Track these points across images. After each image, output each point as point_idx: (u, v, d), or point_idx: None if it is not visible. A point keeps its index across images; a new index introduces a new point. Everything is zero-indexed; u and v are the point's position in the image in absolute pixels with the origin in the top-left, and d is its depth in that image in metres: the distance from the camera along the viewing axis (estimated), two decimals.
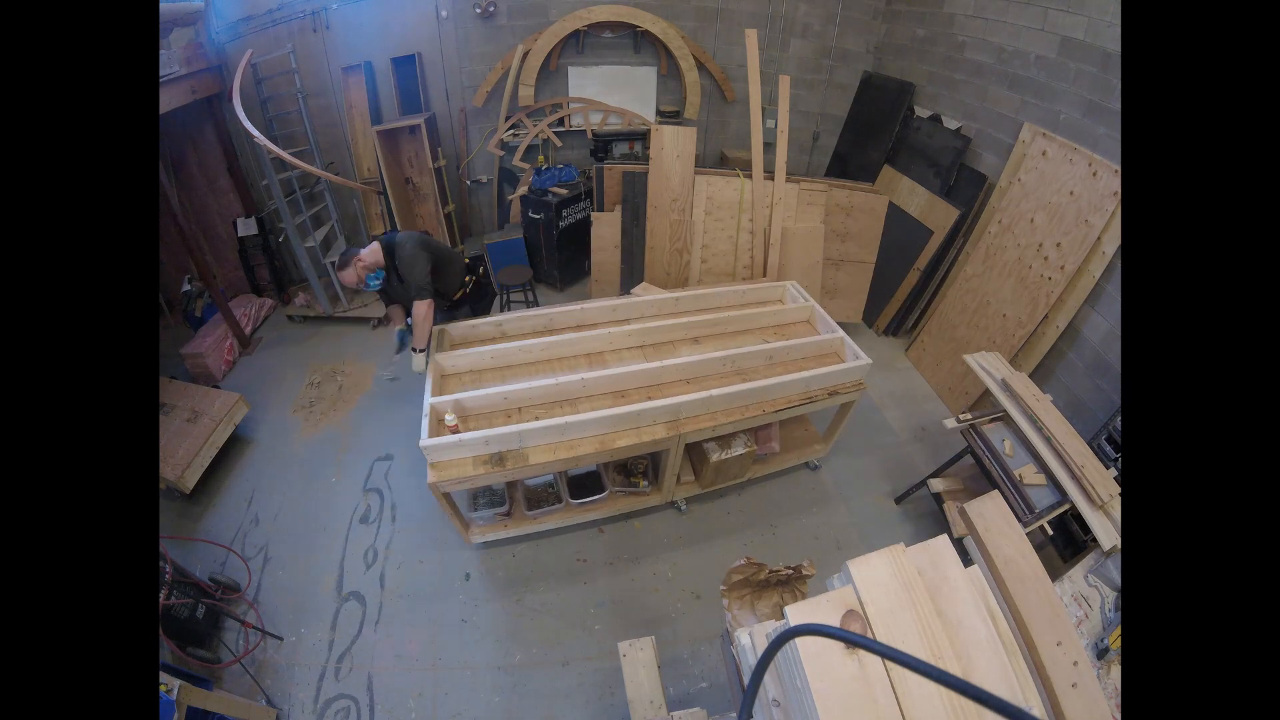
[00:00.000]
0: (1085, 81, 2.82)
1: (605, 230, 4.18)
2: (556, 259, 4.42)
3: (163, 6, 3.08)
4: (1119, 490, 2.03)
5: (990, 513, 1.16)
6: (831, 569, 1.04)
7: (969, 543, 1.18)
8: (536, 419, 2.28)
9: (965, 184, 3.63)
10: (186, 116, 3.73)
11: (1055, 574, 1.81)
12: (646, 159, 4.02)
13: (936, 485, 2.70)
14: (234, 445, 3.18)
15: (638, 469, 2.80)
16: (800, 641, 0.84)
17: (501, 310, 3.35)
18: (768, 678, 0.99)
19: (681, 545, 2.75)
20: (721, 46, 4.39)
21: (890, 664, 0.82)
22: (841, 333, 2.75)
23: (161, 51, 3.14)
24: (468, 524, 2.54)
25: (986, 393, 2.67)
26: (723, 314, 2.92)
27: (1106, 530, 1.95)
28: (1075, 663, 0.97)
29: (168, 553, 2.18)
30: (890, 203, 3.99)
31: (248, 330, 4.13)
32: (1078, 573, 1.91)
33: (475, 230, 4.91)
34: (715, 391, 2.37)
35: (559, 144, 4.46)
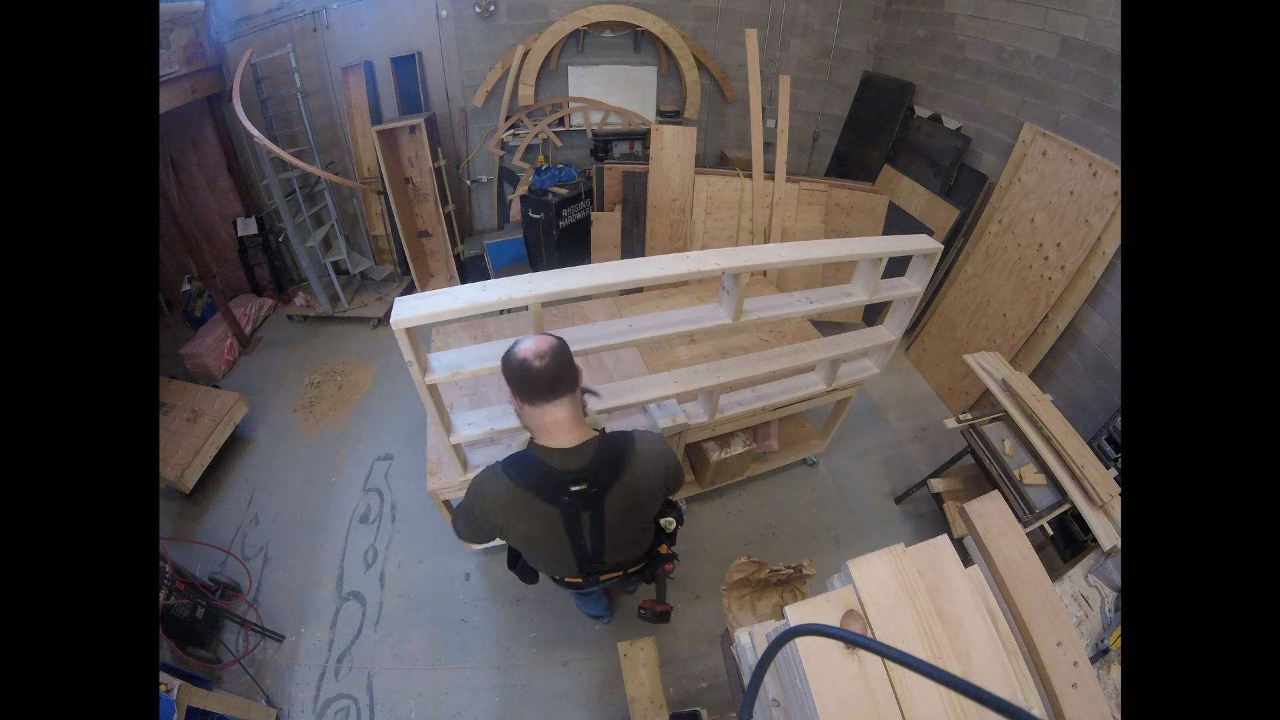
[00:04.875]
0: (1085, 81, 2.82)
1: (605, 230, 4.18)
2: (556, 259, 4.41)
3: (163, 6, 3.07)
4: (1119, 490, 2.03)
5: (990, 513, 1.15)
6: (831, 569, 1.04)
7: (969, 543, 1.18)
8: None
9: (965, 184, 3.63)
10: (186, 116, 3.73)
11: (1055, 574, 1.81)
12: (646, 159, 4.01)
13: (936, 485, 2.70)
14: (234, 445, 3.17)
15: None
16: (800, 641, 0.84)
17: (501, 314, 3.34)
18: (768, 678, 0.99)
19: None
20: (721, 46, 4.38)
21: (890, 664, 0.82)
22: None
23: (161, 51, 3.14)
24: None
25: (986, 393, 2.67)
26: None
27: (1106, 530, 1.95)
28: (1075, 663, 0.97)
29: (168, 553, 2.18)
30: (890, 202, 3.99)
31: (247, 330, 4.13)
32: (1078, 573, 1.91)
33: (475, 230, 4.91)
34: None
35: (559, 144, 4.45)
